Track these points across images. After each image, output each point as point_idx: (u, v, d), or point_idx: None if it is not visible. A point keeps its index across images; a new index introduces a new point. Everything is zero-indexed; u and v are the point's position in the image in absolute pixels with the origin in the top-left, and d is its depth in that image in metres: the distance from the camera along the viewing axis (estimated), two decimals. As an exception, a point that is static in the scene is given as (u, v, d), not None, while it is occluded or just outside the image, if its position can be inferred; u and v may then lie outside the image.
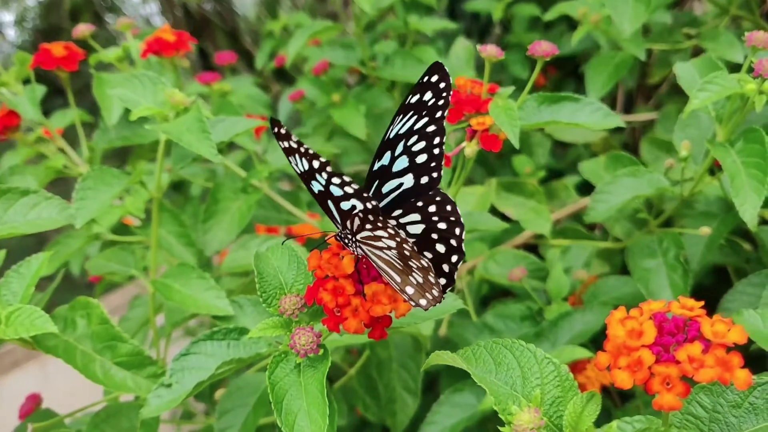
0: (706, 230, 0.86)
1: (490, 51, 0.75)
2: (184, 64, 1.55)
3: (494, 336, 0.97)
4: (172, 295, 0.75)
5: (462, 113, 0.79)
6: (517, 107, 0.77)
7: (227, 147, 1.21)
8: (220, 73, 1.44)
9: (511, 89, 0.80)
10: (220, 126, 0.80)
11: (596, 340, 0.99)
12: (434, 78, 0.57)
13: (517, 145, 0.73)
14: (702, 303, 0.43)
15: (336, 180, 0.52)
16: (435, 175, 0.57)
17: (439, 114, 0.57)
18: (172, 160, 0.79)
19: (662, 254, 0.89)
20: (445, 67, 0.57)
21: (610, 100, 1.62)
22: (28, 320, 0.63)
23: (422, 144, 0.57)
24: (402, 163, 0.57)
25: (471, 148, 0.77)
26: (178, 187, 1.48)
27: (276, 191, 1.17)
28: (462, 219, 0.55)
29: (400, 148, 0.57)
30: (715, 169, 0.90)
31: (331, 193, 0.54)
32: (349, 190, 0.53)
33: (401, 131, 0.57)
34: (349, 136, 1.38)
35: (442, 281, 0.55)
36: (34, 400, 0.93)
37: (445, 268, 0.56)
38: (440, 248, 0.55)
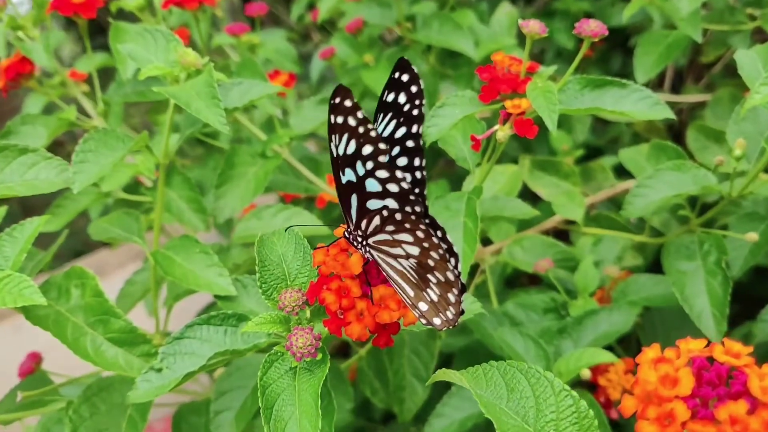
0: (753, 236, 0.80)
1: (533, 27, 0.68)
2: (218, 13, 1.49)
3: (514, 327, 0.92)
4: (173, 269, 0.71)
5: (497, 92, 0.72)
6: (557, 90, 0.70)
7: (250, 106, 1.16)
8: (260, 22, 1.38)
9: (552, 69, 0.74)
10: (236, 90, 0.74)
11: (623, 341, 0.94)
12: (405, 77, 0.49)
13: (554, 132, 0.67)
14: (751, 349, 0.37)
15: (382, 174, 0.45)
16: (418, 208, 0.48)
17: (415, 128, 0.49)
18: (182, 123, 0.74)
19: (702, 257, 0.83)
20: (413, 67, 0.49)
21: (658, 77, 1.53)
22: (16, 289, 0.60)
23: (404, 160, 0.50)
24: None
25: (503, 133, 0.71)
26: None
27: (299, 154, 1.12)
28: (455, 247, 0.47)
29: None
30: (769, 169, 0.82)
31: (364, 187, 0.47)
32: (392, 188, 0.46)
33: (383, 136, 0.50)
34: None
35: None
36: (34, 359, 0.90)
37: None
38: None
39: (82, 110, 1.00)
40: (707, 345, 0.40)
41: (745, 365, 0.37)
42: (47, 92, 1.01)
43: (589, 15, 1.52)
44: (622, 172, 1.21)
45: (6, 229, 0.66)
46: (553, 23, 1.54)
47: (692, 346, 0.39)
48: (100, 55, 1.21)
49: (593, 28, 0.66)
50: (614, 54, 1.68)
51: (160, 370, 0.59)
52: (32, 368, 0.89)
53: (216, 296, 0.69)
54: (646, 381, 0.37)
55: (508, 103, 0.69)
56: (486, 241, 1.08)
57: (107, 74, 1.21)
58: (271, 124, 1.11)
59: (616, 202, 1.22)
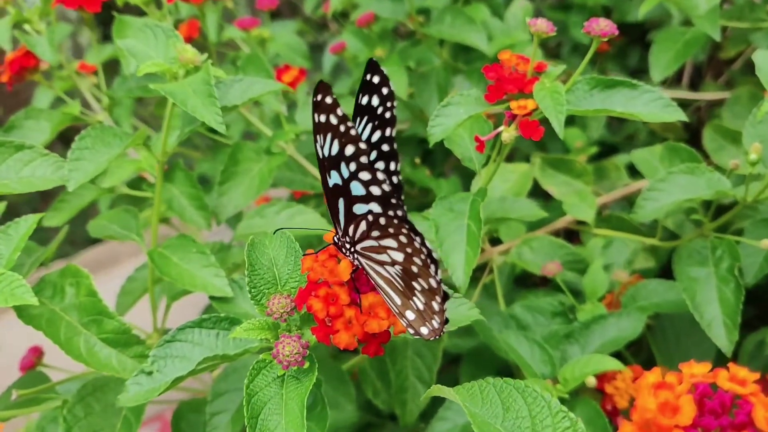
0: (767, 243, 0.77)
1: (540, 26, 0.66)
2: (228, 4, 1.48)
3: (521, 330, 0.90)
4: (169, 269, 0.70)
5: (503, 92, 0.70)
6: (565, 90, 0.68)
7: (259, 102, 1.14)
8: (277, 11, 1.36)
9: (560, 69, 0.71)
10: (236, 87, 0.72)
11: (632, 345, 0.92)
12: (375, 79, 0.48)
13: (561, 135, 0.65)
14: (757, 376, 0.35)
15: (365, 176, 0.45)
16: (400, 213, 0.47)
17: (389, 131, 0.48)
18: (180, 121, 0.73)
19: (714, 264, 0.80)
20: (383, 68, 0.48)
21: (677, 73, 1.50)
22: (8, 289, 0.59)
23: (382, 165, 0.49)
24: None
25: (508, 134, 0.69)
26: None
27: (306, 151, 1.10)
28: (435, 254, 0.46)
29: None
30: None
31: (349, 191, 0.46)
32: (375, 191, 0.45)
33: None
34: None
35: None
36: (35, 353, 0.90)
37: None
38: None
39: (88, 104, 1.00)
40: (711, 369, 0.38)
41: (751, 393, 0.35)
42: (52, 86, 1.00)
43: (606, 9, 1.48)
44: (636, 171, 1.18)
45: (0, 227, 0.65)
46: (570, 17, 1.50)
47: (695, 370, 0.37)
48: (110, 47, 1.19)
49: (602, 28, 0.64)
50: (632, 49, 1.64)
51: (150, 373, 0.57)
52: (33, 363, 0.88)
53: (211, 297, 0.68)
54: (645, 408, 0.35)
55: (513, 104, 0.67)
56: (495, 241, 1.06)
57: (117, 67, 1.19)
58: (278, 120, 1.10)
59: (630, 201, 1.19)
